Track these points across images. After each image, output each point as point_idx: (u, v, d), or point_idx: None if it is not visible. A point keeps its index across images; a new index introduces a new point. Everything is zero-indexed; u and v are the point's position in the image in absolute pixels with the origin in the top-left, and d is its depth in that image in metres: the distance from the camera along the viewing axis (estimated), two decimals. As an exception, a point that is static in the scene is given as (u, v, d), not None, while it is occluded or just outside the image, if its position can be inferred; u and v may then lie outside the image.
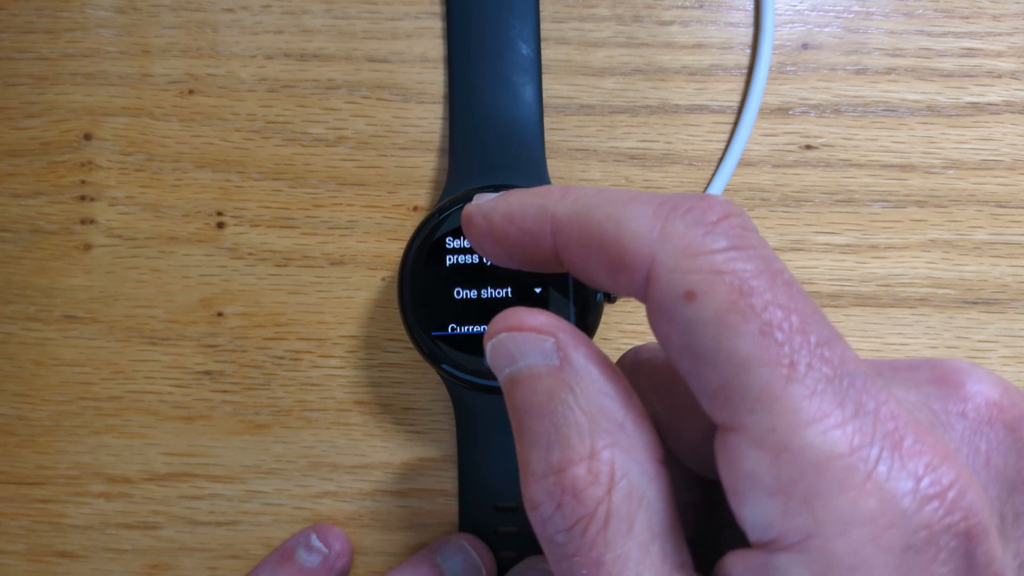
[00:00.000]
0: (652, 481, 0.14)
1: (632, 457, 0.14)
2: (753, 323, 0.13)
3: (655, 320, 0.14)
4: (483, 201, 0.17)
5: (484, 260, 0.23)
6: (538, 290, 0.23)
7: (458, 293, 0.23)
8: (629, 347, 0.27)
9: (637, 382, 0.18)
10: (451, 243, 0.23)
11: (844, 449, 0.12)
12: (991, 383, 0.15)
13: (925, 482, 0.12)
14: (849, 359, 0.13)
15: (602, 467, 0.14)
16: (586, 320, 0.23)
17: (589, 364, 0.15)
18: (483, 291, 0.23)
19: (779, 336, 0.13)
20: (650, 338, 0.27)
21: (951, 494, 0.12)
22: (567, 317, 0.23)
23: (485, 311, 0.23)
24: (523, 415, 0.15)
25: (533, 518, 0.15)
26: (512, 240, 0.16)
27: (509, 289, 0.23)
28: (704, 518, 0.17)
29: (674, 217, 0.14)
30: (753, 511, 0.13)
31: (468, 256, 0.23)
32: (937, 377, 0.15)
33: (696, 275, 0.13)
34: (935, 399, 0.15)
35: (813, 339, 0.13)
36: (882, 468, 0.12)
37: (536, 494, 0.14)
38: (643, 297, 0.14)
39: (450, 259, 0.23)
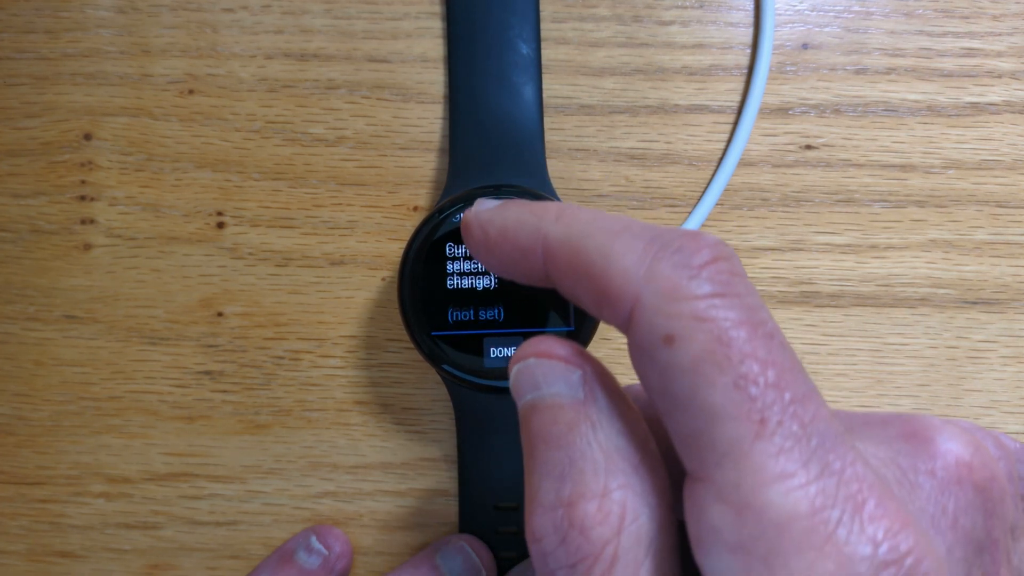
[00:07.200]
0: (663, 529, 0.14)
1: (645, 501, 0.14)
2: (728, 375, 0.13)
3: (636, 358, 0.14)
4: (482, 209, 0.17)
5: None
6: None
7: (458, 293, 0.23)
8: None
9: None
10: (451, 244, 0.23)
11: (805, 510, 0.12)
12: (962, 442, 0.15)
13: (883, 548, 0.12)
14: (821, 417, 0.13)
15: (613, 507, 0.14)
16: (585, 319, 0.23)
17: (613, 403, 0.15)
18: (483, 290, 0.23)
19: (753, 391, 0.13)
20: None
21: (908, 561, 0.12)
22: (567, 316, 0.23)
23: (485, 310, 0.23)
24: (539, 443, 0.15)
25: (534, 550, 0.14)
26: (506, 254, 0.16)
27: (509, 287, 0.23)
28: (687, 562, 0.17)
29: (662, 256, 0.14)
30: (715, 564, 0.13)
31: (468, 255, 0.23)
32: (908, 433, 0.15)
33: (677, 320, 0.13)
34: (904, 456, 0.14)
35: (787, 395, 0.13)
36: (841, 531, 0.12)
37: (541, 525, 0.14)
38: (626, 332, 0.14)
39: (450, 259, 0.23)
